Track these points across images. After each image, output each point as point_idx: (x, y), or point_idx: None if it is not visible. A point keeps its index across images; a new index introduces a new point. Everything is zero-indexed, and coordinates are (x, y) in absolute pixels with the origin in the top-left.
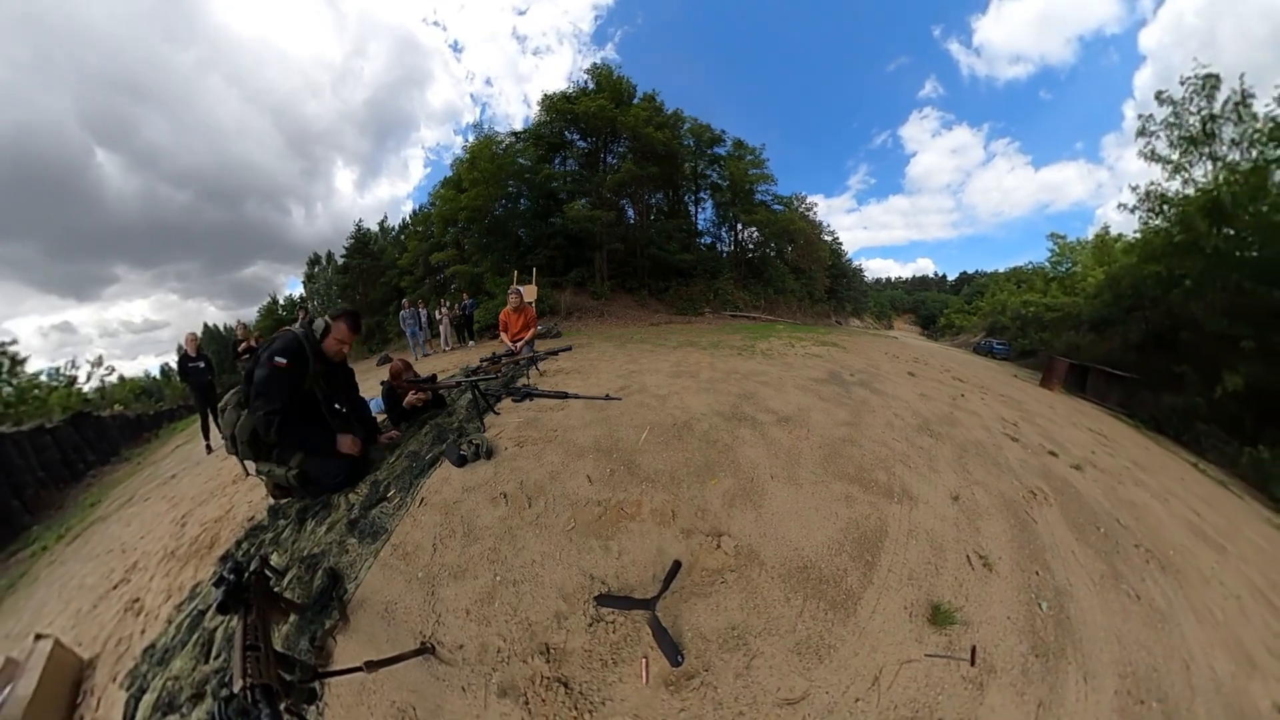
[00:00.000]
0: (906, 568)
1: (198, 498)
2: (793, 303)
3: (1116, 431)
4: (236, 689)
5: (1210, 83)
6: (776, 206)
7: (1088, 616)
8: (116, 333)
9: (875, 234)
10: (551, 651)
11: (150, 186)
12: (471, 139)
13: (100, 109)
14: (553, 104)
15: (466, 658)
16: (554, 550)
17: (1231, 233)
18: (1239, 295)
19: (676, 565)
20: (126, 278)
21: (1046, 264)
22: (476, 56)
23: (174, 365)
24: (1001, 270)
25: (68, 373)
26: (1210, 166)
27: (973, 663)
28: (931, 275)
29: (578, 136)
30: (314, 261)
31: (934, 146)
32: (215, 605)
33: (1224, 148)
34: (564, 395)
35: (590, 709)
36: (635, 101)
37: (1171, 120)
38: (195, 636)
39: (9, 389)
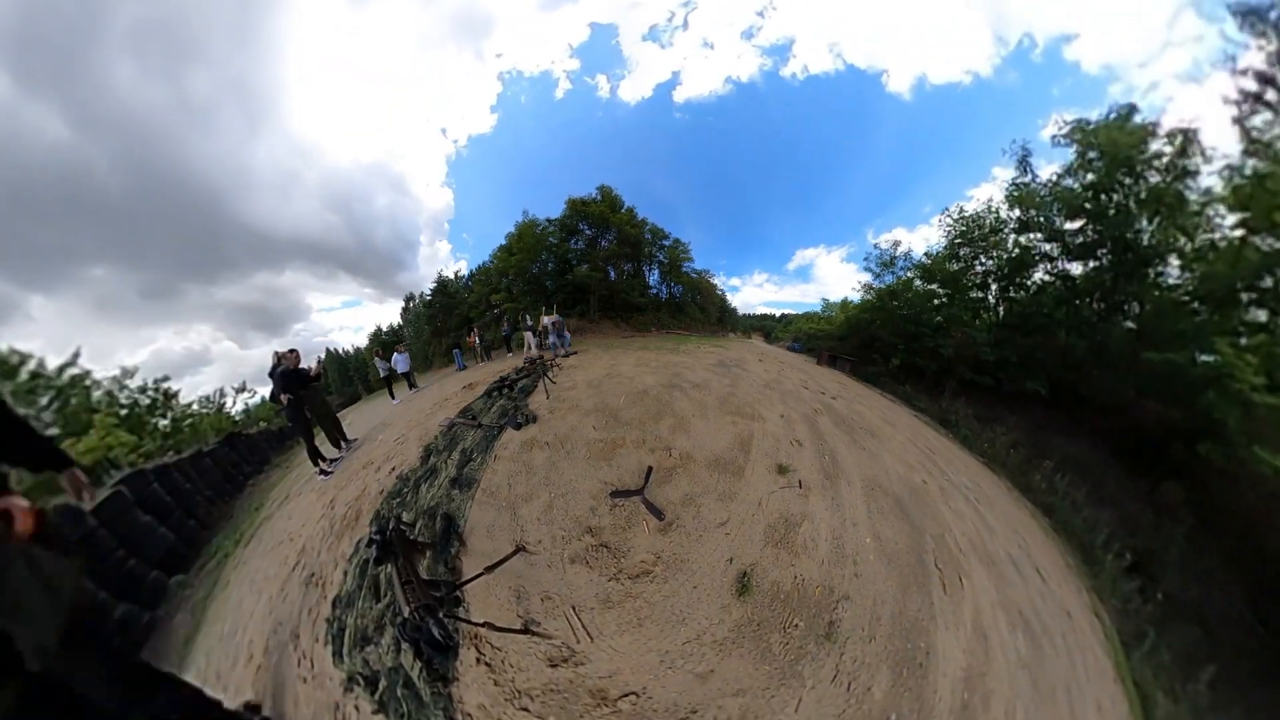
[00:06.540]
0: (764, 451)
1: (339, 484)
2: (700, 326)
3: (850, 383)
4: (406, 613)
5: (896, 243)
6: (694, 274)
7: (845, 459)
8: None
9: (779, 295)
10: (593, 530)
11: None
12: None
13: None
14: (575, 206)
15: (545, 547)
16: (581, 472)
17: (897, 303)
18: (898, 329)
19: (650, 469)
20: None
21: (820, 311)
22: None
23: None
24: (801, 313)
25: (216, 400)
26: (892, 277)
27: (800, 487)
28: (768, 313)
29: (586, 226)
30: (409, 298)
31: (836, 268)
32: (373, 559)
33: (899, 270)
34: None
35: (623, 555)
36: (623, 209)
37: (877, 255)
38: (364, 585)
39: (164, 421)
